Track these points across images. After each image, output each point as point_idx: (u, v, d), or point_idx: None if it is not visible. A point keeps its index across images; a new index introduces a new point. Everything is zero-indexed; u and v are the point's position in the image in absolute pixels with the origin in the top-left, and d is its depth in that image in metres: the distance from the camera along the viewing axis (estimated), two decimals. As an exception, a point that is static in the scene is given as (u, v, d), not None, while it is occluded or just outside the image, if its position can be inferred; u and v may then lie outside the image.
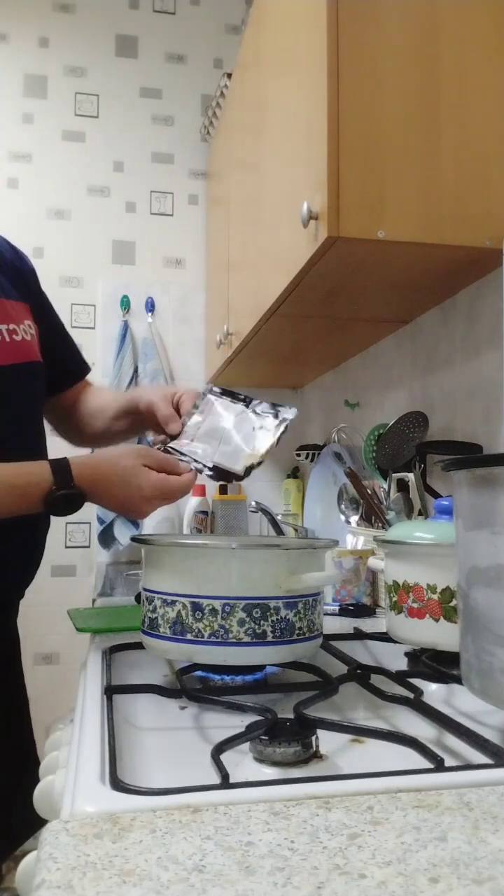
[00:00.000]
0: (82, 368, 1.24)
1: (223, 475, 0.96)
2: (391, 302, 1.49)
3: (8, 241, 1.13)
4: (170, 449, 0.99)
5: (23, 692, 1.12)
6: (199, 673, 0.81)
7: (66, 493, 0.85)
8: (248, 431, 0.97)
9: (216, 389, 1.04)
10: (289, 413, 0.97)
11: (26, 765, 1.09)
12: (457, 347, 1.40)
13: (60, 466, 0.86)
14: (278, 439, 0.95)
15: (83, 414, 1.20)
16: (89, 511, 2.43)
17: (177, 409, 1.03)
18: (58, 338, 1.18)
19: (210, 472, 0.96)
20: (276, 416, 0.97)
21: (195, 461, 0.96)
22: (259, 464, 0.94)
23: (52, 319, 1.17)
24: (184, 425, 1.02)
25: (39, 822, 1.02)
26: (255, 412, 0.99)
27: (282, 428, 0.96)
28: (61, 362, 1.18)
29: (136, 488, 0.88)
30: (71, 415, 1.21)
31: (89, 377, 1.26)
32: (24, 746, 1.10)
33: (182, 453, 0.98)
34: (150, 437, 1.13)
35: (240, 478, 0.95)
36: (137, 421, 1.11)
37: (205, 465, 0.96)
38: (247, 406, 1.00)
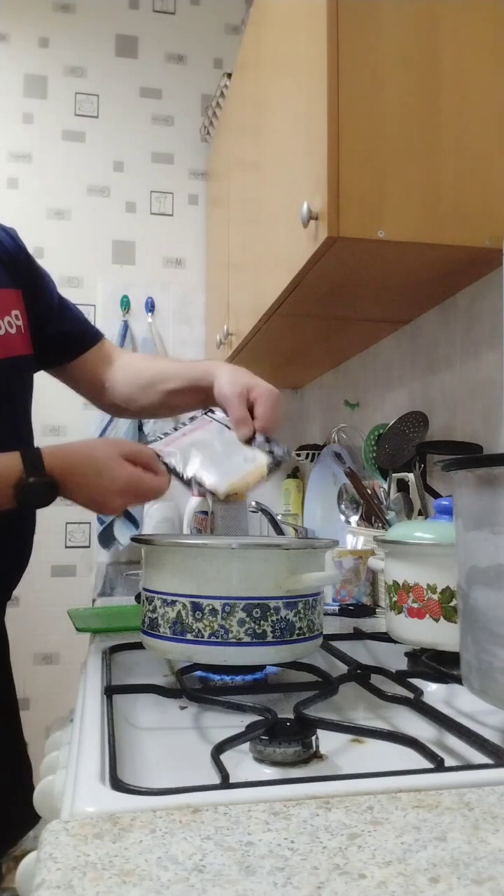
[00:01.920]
0: (93, 334, 1.18)
1: (199, 488, 0.94)
2: (391, 302, 1.49)
3: (1, 225, 1.11)
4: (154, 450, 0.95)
5: (13, 693, 1.12)
6: (199, 673, 0.81)
7: (37, 481, 0.82)
8: (238, 461, 0.94)
9: (217, 414, 1.02)
10: (280, 451, 0.94)
11: (20, 765, 1.09)
12: (457, 347, 1.40)
13: (31, 455, 0.83)
14: (268, 474, 0.93)
15: (125, 384, 1.14)
16: (89, 511, 2.43)
17: (251, 408, 0.97)
18: (57, 309, 1.14)
19: (185, 482, 0.94)
20: (268, 453, 0.95)
21: (174, 466, 0.93)
22: (236, 494, 0.92)
23: (49, 293, 1.14)
24: (175, 429, 1.00)
25: (34, 821, 1.03)
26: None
27: (272, 466, 0.94)
28: (67, 332, 1.14)
29: (109, 479, 0.85)
30: (102, 383, 1.15)
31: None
32: (17, 746, 1.10)
33: (163, 460, 0.94)
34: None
35: (216, 497, 0.93)
36: (204, 400, 1.04)
37: (183, 474, 0.94)
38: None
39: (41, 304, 1.10)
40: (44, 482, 0.83)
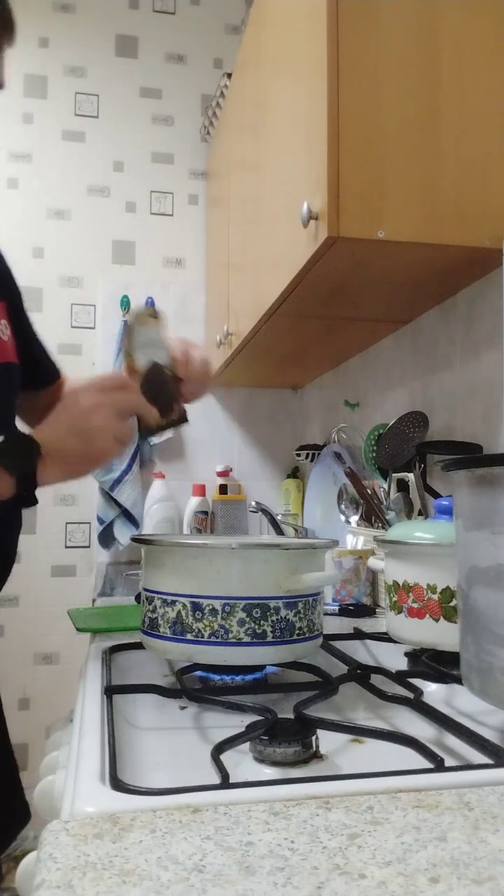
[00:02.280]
0: (57, 369, 1.22)
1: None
2: (391, 302, 1.49)
3: None
4: None
5: None
6: (199, 673, 0.81)
7: (11, 437, 0.79)
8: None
9: None
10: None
11: (8, 765, 1.09)
12: (457, 347, 1.40)
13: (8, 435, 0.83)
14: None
15: None
16: (89, 511, 2.44)
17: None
18: (33, 336, 1.17)
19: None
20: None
21: None
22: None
23: (27, 317, 1.16)
24: None
25: (26, 819, 1.03)
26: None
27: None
28: (39, 361, 1.16)
29: (72, 400, 0.85)
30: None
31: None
32: (6, 747, 1.09)
33: None
34: None
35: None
36: None
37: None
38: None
39: (21, 321, 1.12)
40: (20, 436, 0.80)
